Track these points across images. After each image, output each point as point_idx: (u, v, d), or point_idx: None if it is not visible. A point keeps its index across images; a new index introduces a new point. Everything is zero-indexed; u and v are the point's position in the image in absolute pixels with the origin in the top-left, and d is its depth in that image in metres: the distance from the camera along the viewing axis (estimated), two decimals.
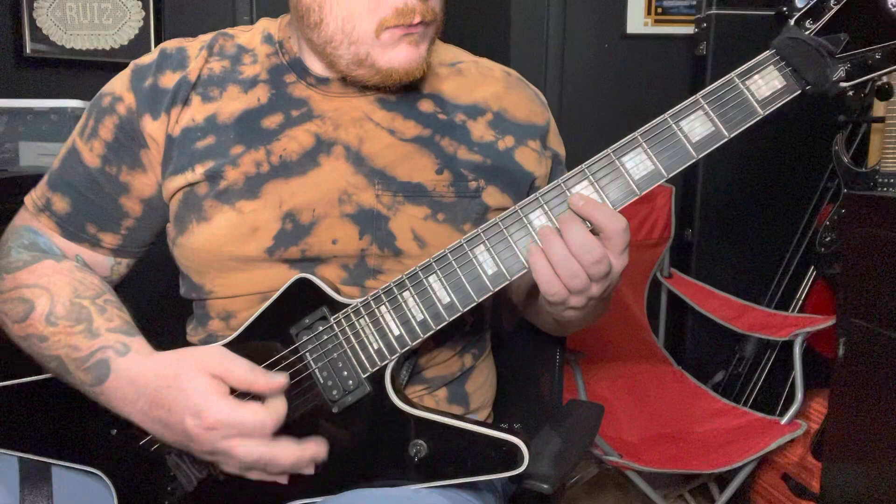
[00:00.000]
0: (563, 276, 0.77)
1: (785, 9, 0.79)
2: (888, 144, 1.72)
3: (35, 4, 2.16)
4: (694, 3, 2.50)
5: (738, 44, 2.29)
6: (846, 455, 1.60)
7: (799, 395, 1.89)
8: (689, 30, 2.50)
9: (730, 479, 1.93)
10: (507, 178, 0.96)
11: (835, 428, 1.65)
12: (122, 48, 2.25)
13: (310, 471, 0.82)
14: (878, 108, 1.94)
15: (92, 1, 2.21)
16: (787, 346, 2.03)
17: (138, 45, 2.24)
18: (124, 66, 0.99)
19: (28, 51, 2.18)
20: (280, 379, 0.79)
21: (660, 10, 2.52)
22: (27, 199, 0.99)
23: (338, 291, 0.87)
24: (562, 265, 0.77)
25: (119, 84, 0.96)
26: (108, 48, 2.24)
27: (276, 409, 0.78)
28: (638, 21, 2.53)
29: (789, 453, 1.93)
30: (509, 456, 0.80)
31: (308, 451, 0.80)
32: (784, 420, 1.88)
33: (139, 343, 0.84)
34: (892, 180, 1.71)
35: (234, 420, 0.76)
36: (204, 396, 0.76)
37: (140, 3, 2.24)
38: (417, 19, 0.86)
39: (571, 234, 0.76)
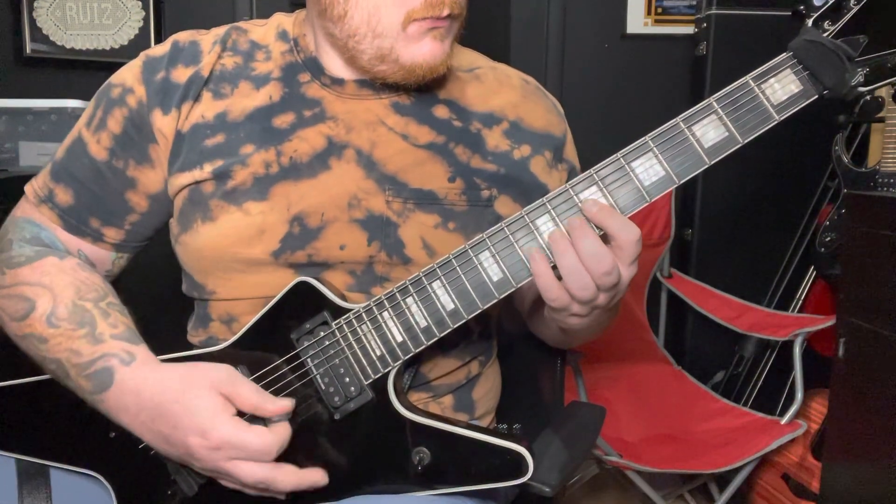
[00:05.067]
0: (570, 287, 0.75)
1: (802, 7, 0.77)
2: (888, 144, 1.72)
3: (35, 4, 2.16)
4: (694, 3, 2.49)
5: (738, 44, 2.28)
6: (846, 455, 1.60)
7: (799, 395, 1.89)
8: (689, 30, 2.49)
9: (730, 479, 1.93)
10: (520, 187, 0.94)
11: (835, 428, 1.65)
12: (122, 48, 2.25)
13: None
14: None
15: (92, 1, 2.20)
16: (787, 346, 2.03)
17: (138, 45, 2.23)
18: (119, 68, 0.96)
19: (28, 51, 2.18)
20: (286, 403, 0.79)
21: (660, 10, 2.52)
22: (28, 189, 0.97)
23: (339, 296, 0.86)
24: (571, 275, 0.75)
25: (130, 75, 0.94)
26: (108, 48, 2.24)
27: (280, 434, 0.78)
28: (638, 21, 2.52)
29: (789, 453, 1.93)
30: (513, 464, 0.79)
31: (308, 478, 0.81)
32: (784, 420, 1.88)
33: (144, 352, 0.83)
34: (892, 180, 1.71)
35: (238, 442, 0.75)
36: (211, 416, 0.76)
37: (140, 3, 2.24)
38: (447, 11, 0.85)
39: (583, 243, 0.74)
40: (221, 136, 0.91)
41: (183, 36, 0.97)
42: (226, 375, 0.79)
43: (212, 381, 0.78)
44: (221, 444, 0.75)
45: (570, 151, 1.02)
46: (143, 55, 0.95)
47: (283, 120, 0.92)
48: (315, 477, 0.81)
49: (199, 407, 0.76)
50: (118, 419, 0.81)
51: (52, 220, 0.95)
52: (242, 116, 0.92)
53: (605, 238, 0.76)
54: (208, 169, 0.90)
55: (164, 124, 0.92)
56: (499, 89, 0.99)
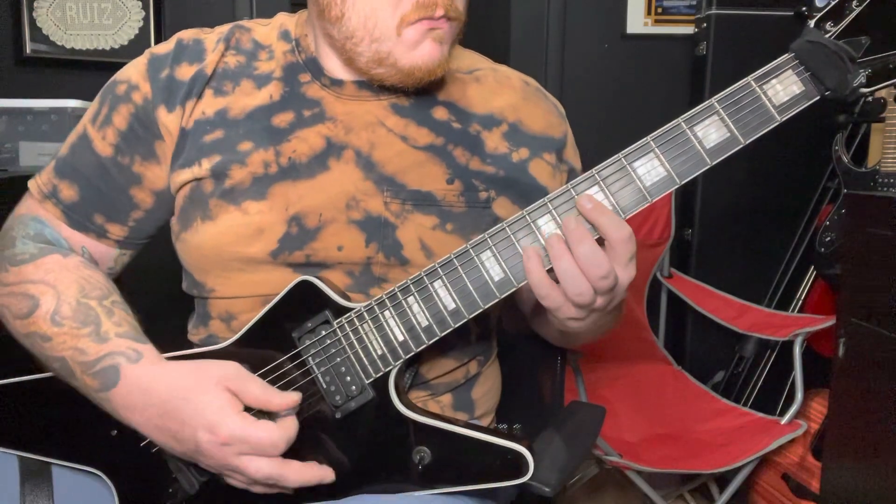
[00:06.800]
0: (567, 291, 0.75)
1: (804, 9, 0.77)
2: (888, 144, 1.72)
3: (35, 4, 2.16)
4: (694, 3, 2.49)
5: (738, 44, 2.28)
6: (846, 455, 1.60)
7: (799, 395, 1.89)
8: (689, 30, 2.49)
9: (730, 479, 1.93)
10: (519, 189, 0.94)
11: (835, 428, 1.65)
12: (122, 48, 2.24)
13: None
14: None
15: (92, 1, 2.20)
16: (787, 346, 2.03)
17: (138, 45, 2.23)
18: (124, 66, 0.97)
19: (28, 51, 2.18)
20: (293, 397, 0.80)
21: (660, 10, 2.51)
22: (31, 185, 0.97)
23: (341, 294, 0.86)
24: (568, 280, 0.75)
25: (135, 72, 0.94)
26: (108, 48, 2.24)
27: (288, 428, 0.78)
28: (638, 21, 2.52)
29: (789, 453, 1.94)
30: (514, 464, 0.79)
31: (316, 474, 0.81)
32: (784, 420, 1.89)
33: (150, 350, 0.83)
34: (892, 180, 1.71)
35: (246, 436, 0.76)
36: (219, 411, 0.76)
37: (140, 3, 2.23)
38: (440, 12, 0.84)
39: (579, 247, 0.74)
40: (220, 132, 0.92)
41: (187, 34, 0.97)
42: (233, 371, 0.80)
43: (219, 377, 0.79)
44: (230, 439, 0.75)
45: (570, 153, 1.02)
46: (147, 52, 0.96)
47: (282, 119, 0.92)
48: (322, 473, 0.82)
49: (207, 403, 0.77)
50: (124, 417, 0.82)
51: (55, 216, 0.95)
52: (243, 114, 0.92)
53: (600, 239, 0.76)
54: (206, 165, 0.90)
55: (169, 121, 0.92)
56: (499, 91, 0.99)
